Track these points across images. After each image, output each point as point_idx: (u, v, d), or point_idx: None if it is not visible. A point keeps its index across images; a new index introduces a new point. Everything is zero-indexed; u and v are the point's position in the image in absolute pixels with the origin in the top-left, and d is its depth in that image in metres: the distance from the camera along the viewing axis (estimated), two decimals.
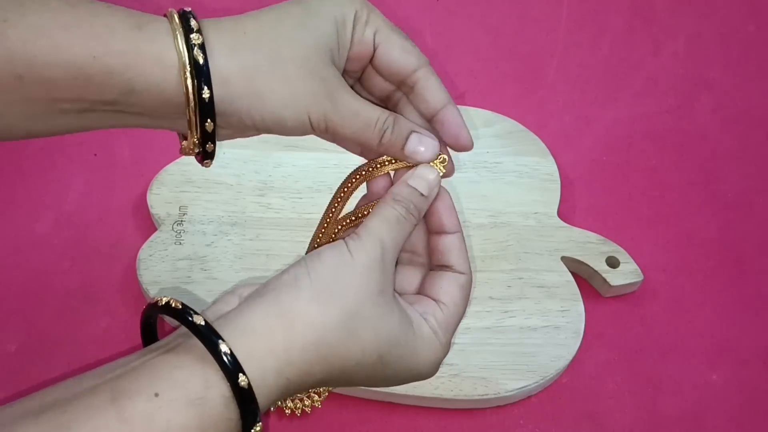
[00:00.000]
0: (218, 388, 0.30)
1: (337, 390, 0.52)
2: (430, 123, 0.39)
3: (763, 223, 0.63)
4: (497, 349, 0.53)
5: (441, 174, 0.39)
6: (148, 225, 0.59)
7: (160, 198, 0.58)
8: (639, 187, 0.65)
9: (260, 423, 0.31)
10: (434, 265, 0.40)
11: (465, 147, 0.39)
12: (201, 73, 0.33)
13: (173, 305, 0.32)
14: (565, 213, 0.61)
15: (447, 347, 0.38)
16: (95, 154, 0.63)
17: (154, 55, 0.33)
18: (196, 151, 0.37)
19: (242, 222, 0.57)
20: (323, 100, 0.36)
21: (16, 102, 0.33)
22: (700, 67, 0.73)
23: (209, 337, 0.30)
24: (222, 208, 0.58)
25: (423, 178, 0.38)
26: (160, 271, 0.55)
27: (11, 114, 0.33)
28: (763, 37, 0.76)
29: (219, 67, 0.34)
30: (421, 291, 0.39)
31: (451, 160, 0.40)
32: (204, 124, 0.35)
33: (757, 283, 0.60)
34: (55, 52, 0.32)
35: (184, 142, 0.36)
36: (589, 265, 0.57)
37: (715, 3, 0.78)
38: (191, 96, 0.34)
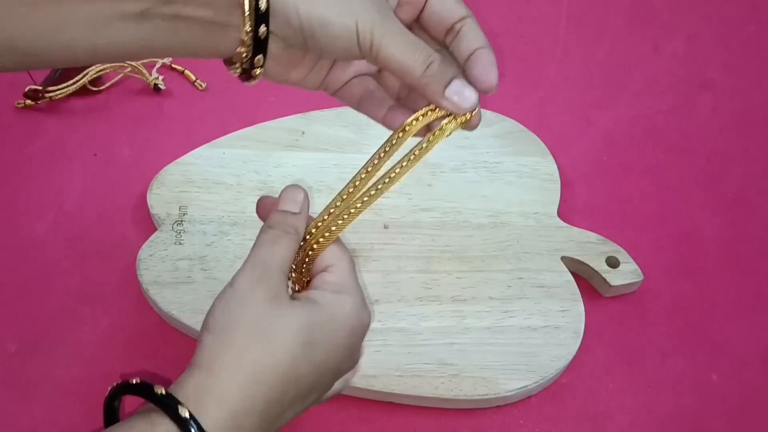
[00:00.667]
0: None
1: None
2: (465, 64, 0.39)
3: (763, 223, 0.64)
4: (497, 349, 0.53)
5: (462, 126, 0.40)
6: (148, 225, 0.59)
7: (160, 198, 0.58)
8: (639, 187, 0.65)
9: None
10: None
11: (490, 85, 0.39)
12: None
13: (134, 382, 0.36)
14: (565, 213, 0.61)
15: (358, 293, 0.40)
16: (95, 154, 0.63)
17: None
18: (246, 59, 0.37)
19: (242, 222, 0.57)
20: (374, 13, 0.36)
21: (77, 7, 0.33)
22: (700, 67, 0.73)
23: (170, 403, 0.34)
24: (222, 208, 0.58)
25: (292, 200, 0.41)
26: (160, 271, 0.55)
27: (74, 23, 0.33)
28: (763, 37, 0.76)
29: None
30: (312, 270, 0.42)
31: (479, 112, 0.40)
32: (257, 29, 0.35)
33: (757, 283, 0.60)
34: None
35: (239, 49, 0.36)
36: (589, 265, 0.57)
37: (715, 3, 0.78)
38: None
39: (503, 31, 0.75)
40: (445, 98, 0.38)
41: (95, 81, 0.66)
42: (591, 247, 0.58)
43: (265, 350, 0.36)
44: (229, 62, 0.38)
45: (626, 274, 0.57)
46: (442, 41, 0.40)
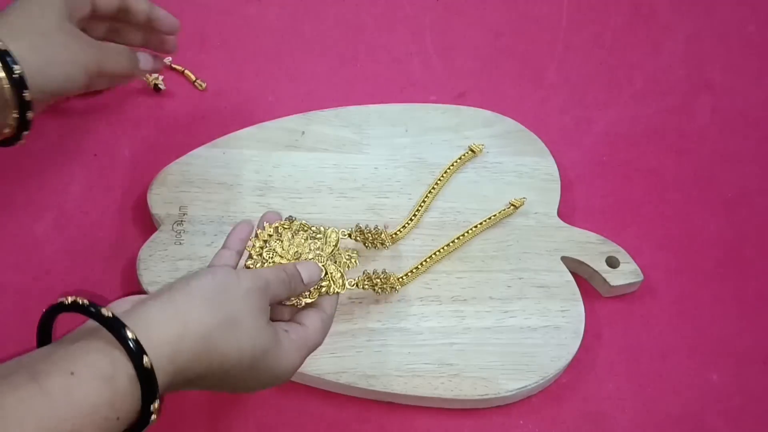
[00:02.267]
0: (125, 368, 0.34)
1: (337, 390, 0.52)
2: (150, 26, 0.55)
3: (763, 223, 0.64)
4: (497, 349, 0.53)
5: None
6: (148, 225, 0.59)
7: (160, 198, 0.58)
8: (639, 186, 0.65)
9: (158, 400, 0.35)
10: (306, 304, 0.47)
11: (171, 24, 0.56)
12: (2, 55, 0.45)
13: (81, 303, 0.36)
14: (565, 213, 0.61)
15: (300, 355, 0.43)
16: (95, 154, 0.63)
17: None
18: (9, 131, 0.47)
19: None
20: (88, 47, 0.50)
21: None
22: (700, 67, 0.73)
23: (116, 325, 0.35)
24: (222, 208, 0.58)
25: (309, 270, 0.46)
26: (160, 271, 0.55)
27: None
28: (763, 37, 0.76)
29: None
30: (291, 320, 0.46)
31: (158, 58, 0.57)
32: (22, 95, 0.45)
33: (757, 283, 0.60)
34: None
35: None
36: (589, 265, 0.57)
37: (715, 3, 0.78)
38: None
39: (503, 31, 0.75)
40: (140, 69, 0.55)
41: None
42: (591, 247, 0.58)
43: (228, 342, 0.39)
44: None
45: (626, 274, 0.57)
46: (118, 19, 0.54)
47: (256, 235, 0.49)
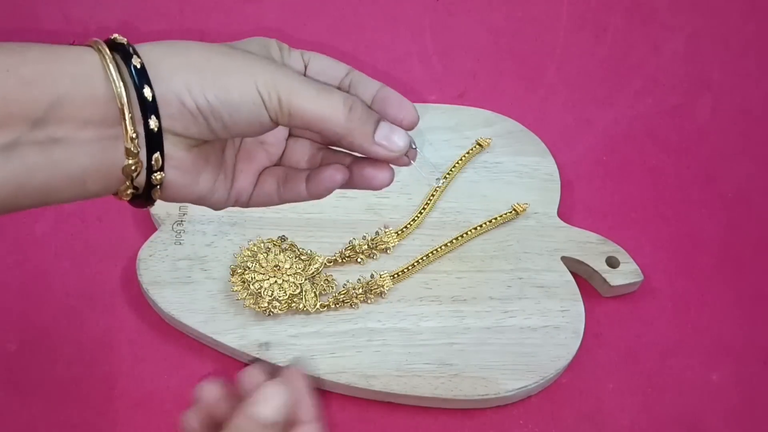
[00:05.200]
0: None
1: (337, 390, 0.52)
2: (373, 107, 0.36)
3: (763, 223, 0.63)
4: (497, 349, 0.53)
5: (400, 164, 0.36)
6: (148, 225, 0.59)
7: None
8: (639, 187, 0.65)
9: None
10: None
11: (412, 118, 0.35)
12: (127, 54, 0.30)
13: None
14: (565, 213, 0.61)
15: None
16: None
17: (73, 57, 0.30)
18: (137, 170, 0.32)
19: (242, 222, 0.57)
20: (271, 68, 0.32)
21: None
22: (700, 67, 0.73)
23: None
24: None
25: (268, 403, 0.33)
26: (160, 271, 0.55)
27: None
28: (763, 37, 0.76)
29: (146, 51, 0.31)
30: None
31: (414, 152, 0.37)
32: (147, 122, 0.30)
33: (757, 283, 0.60)
34: None
35: (127, 160, 0.31)
36: (589, 265, 0.57)
37: (715, 3, 0.78)
38: (115, 76, 0.30)
39: (503, 31, 0.75)
40: (376, 144, 0.34)
41: None
42: (591, 247, 0.58)
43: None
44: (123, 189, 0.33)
45: (626, 274, 0.57)
46: None
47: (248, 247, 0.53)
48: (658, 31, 0.76)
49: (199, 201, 0.35)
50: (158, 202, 0.33)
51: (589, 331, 0.55)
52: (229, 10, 0.73)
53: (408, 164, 0.35)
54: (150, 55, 0.31)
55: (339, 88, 0.35)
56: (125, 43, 0.31)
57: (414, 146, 0.35)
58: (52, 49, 0.30)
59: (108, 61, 0.30)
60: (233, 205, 0.37)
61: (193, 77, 0.31)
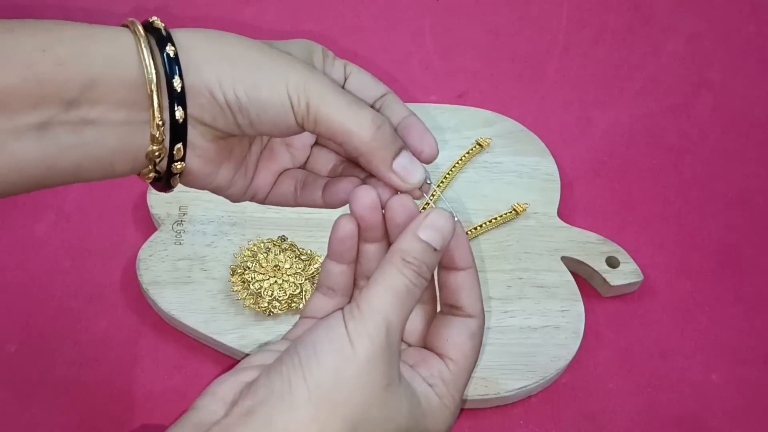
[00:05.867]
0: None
1: None
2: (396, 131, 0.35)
3: (763, 223, 0.63)
4: (497, 349, 0.53)
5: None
6: (148, 225, 0.59)
7: (160, 198, 0.58)
8: (639, 187, 0.65)
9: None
10: (442, 304, 0.36)
11: (431, 152, 0.34)
12: (163, 39, 0.30)
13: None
14: (565, 213, 0.61)
15: (457, 409, 0.34)
16: None
17: (108, 37, 0.30)
18: (160, 156, 0.32)
19: (242, 222, 0.57)
20: (305, 73, 0.32)
21: None
22: (700, 67, 0.73)
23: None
24: (222, 208, 0.58)
25: (436, 228, 0.32)
26: (160, 271, 0.55)
27: None
28: (763, 37, 0.76)
29: (181, 38, 0.31)
30: (427, 341, 0.35)
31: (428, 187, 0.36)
32: (173, 112, 0.31)
33: (757, 284, 0.60)
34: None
35: (151, 146, 0.32)
36: (589, 265, 0.57)
37: (715, 3, 0.78)
38: (148, 62, 0.30)
39: (503, 31, 0.75)
40: (393, 171, 0.33)
41: None
42: (591, 247, 0.58)
43: None
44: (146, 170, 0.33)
45: (626, 274, 0.57)
46: None
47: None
48: (658, 31, 0.76)
49: (216, 191, 0.36)
50: (158, 203, 0.33)
51: (589, 331, 0.55)
52: (230, 11, 0.73)
53: (419, 197, 0.35)
54: (186, 41, 0.31)
55: (372, 107, 0.35)
56: (162, 28, 0.31)
57: (429, 182, 0.34)
58: (87, 28, 0.30)
59: (143, 45, 0.30)
60: (250, 200, 0.37)
61: (225, 69, 0.31)
